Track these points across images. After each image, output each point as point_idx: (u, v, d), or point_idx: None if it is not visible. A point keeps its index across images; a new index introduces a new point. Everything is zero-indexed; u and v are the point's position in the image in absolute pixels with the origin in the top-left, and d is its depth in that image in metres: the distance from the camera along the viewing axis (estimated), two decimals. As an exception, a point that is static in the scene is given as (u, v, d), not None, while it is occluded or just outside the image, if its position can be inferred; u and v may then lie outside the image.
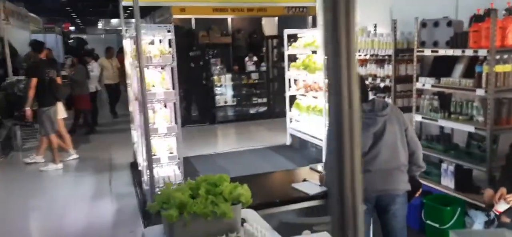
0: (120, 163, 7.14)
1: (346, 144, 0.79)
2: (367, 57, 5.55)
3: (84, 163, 7.29)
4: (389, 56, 5.04)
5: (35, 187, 6.29)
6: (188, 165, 6.28)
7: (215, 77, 10.41)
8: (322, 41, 0.89)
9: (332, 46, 0.79)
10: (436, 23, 4.37)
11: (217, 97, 10.48)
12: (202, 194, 2.44)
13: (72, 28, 29.40)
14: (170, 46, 5.10)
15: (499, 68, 3.73)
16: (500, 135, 3.94)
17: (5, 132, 8.13)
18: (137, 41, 4.36)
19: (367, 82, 5.54)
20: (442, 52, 4.23)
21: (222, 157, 7.30)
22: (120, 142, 8.16)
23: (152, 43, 5.19)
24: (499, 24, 3.67)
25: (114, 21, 28.24)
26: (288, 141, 7.82)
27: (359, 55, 5.65)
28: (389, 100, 5.05)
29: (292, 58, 7.68)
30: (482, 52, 3.77)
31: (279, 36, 10.97)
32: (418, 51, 4.54)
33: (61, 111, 7.22)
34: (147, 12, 13.74)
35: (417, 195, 3.17)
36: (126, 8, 7.13)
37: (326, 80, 0.84)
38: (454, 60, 4.36)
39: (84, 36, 25.25)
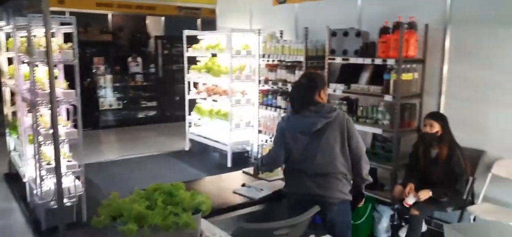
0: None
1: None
2: (276, 62, 5.68)
3: None
4: (299, 62, 5.23)
5: None
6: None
7: (98, 79, 9.61)
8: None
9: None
10: (345, 33, 4.68)
11: (101, 100, 9.68)
12: (160, 204, 2.19)
13: None
14: (69, 41, 4.51)
15: (405, 77, 4.15)
16: (401, 137, 4.38)
17: None
18: (46, 35, 3.76)
19: (276, 87, 5.68)
20: (353, 60, 4.54)
21: (117, 165, 6.73)
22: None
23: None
24: (404, 37, 4.08)
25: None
26: (187, 147, 7.57)
27: (268, 61, 5.77)
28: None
29: (192, 60, 7.49)
30: (390, 62, 4.15)
31: (168, 37, 10.63)
32: (329, 59, 4.80)
33: None
34: None
35: (360, 205, 3.19)
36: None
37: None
38: (360, 68, 4.72)
39: None
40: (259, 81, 5.88)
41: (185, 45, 7.41)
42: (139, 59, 10.53)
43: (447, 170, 3.64)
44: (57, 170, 3.93)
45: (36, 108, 4.31)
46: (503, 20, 3.78)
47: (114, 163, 6.84)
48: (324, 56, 5.21)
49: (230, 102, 6.37)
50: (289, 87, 5.39)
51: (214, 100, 7.05)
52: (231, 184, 3.25)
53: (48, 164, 4.33)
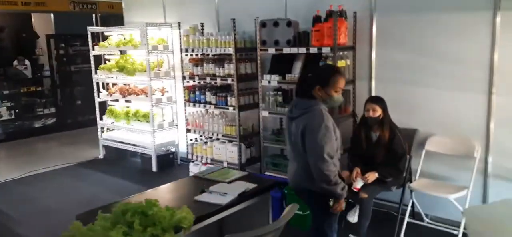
0: None
1: None
2: (199, 56, 5.41)
3: None
4: (228, 55, 5.04)
5: None
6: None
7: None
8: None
9: None
10: (276, 23, 4.61)
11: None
12: (138, 227, 1.87)
13: None
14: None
15: (339, 63, 4.22)
16: (340, 123, 4.45)
17: None
18: None
19: (203, 82, 5.42)
20: (287, 50, 4.49)
21: (22, 184, 5.86)
22: None
23: None
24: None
25: None
26: (101, 154, 6.91)
27: (191, 55, 5.47)
28: (232, 99, 5.07)
29: (97, 59, 6.82)
30: (326, 50, 4.18)
31: (60, 35, 9.57)
32: (261, 50, 4.69)
33: None
34: None
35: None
36: None
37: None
38: (291, 58, 4.69)
39: None
40: (183, 77, 5.54)
41: (90, 43, 6.72)
42: (27, 62, 9.36)
43: (389, 150, 3.79)
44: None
45: None
46: (423, 7, 4.02)
47: (17, 182, 5.95)
48: (253, 47, 5.11)
49: (151, 101, 5.94)
50: (218, 82, 5.18)
51: (127, 101, 6.53)
52: (187, 193, 2.97)
53: None
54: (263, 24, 4.69)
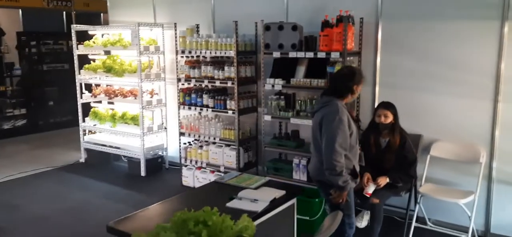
0: None
1: None
2: (195, 57, 5.26)
3: None
4: (229, 57, 4.94)
5: None
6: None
7: None
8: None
9: None
10: (280, 27, 4.55)
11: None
12: (205, 238, 1.74)
13: None
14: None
15: (347, 69, 4.22)
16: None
17: None
18: None
19: (201, 85, 5.28)
20: (292, 54, 4.45)
21: (1, 189, 5.47)
22: None
23: None
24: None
25: None
26: (82, 158, 6.58)
27: (187, 57, 5.31)
28: (231, 103, 4.96)
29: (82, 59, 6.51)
30: (334, 55, 4.18)
31: (31, 33, 9.05)
32: (265, 53, 4.63)
33: None
34: None
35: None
36: None
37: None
38: (294, 62, 4.66)
39: None
40: (179, 79, 5.37)
41: (74, 42, 6.40)
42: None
43: (399, 156, 3.82)
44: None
45: None
46: (430, 15, 4.11)
47: (-7, 188, 5.56)
48: (252, 50, 5.05)
49: (141, 103, 5.72)
50: (217, 84, 5.06)
51: (110, 103, 6.27)
52: (215, 199, 2.85)
53: None
54: (267, 27, 4.62)
